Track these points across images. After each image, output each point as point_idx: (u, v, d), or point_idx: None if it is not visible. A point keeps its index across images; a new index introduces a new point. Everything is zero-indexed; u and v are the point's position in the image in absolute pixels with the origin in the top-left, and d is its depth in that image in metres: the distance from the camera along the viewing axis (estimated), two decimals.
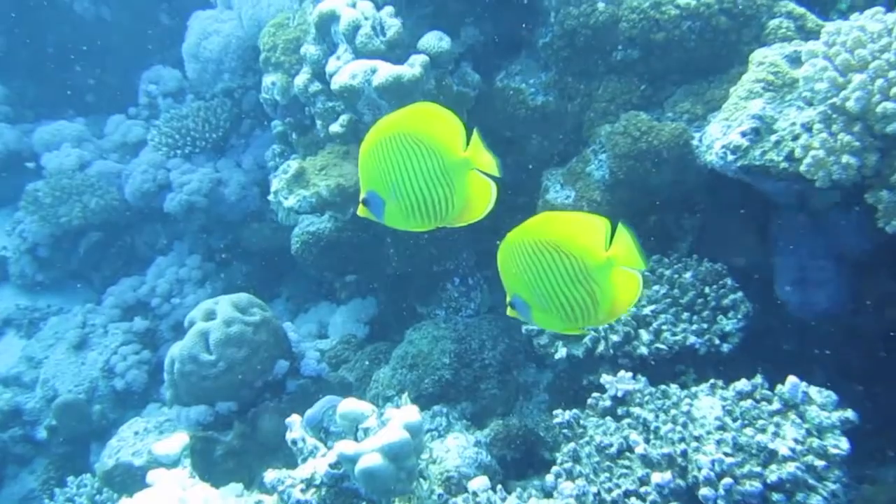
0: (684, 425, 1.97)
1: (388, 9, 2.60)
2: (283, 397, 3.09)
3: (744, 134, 2.14)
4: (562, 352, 2.44)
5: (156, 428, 3.46)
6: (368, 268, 3.42)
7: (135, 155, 5.35)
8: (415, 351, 2.96)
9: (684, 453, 1.88)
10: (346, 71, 2.47)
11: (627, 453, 2.00)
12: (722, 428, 1.92)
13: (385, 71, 2.46)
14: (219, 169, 4.82)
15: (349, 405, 1.96)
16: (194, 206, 4.68)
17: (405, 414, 1.83)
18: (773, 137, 2.10)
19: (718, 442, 1.87)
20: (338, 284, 4.39)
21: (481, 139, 1.56)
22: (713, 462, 1.82)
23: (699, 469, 1.83)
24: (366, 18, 2.55)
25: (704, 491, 1.80)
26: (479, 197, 1.57)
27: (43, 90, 6.73)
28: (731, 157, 2.17)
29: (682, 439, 1.93)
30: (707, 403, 2.04)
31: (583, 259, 1.51)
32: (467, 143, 1.55)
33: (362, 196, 1.58)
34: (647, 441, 1.98)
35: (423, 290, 3.32)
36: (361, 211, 1.60)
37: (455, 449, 2.34)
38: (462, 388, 2.94)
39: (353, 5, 2.60)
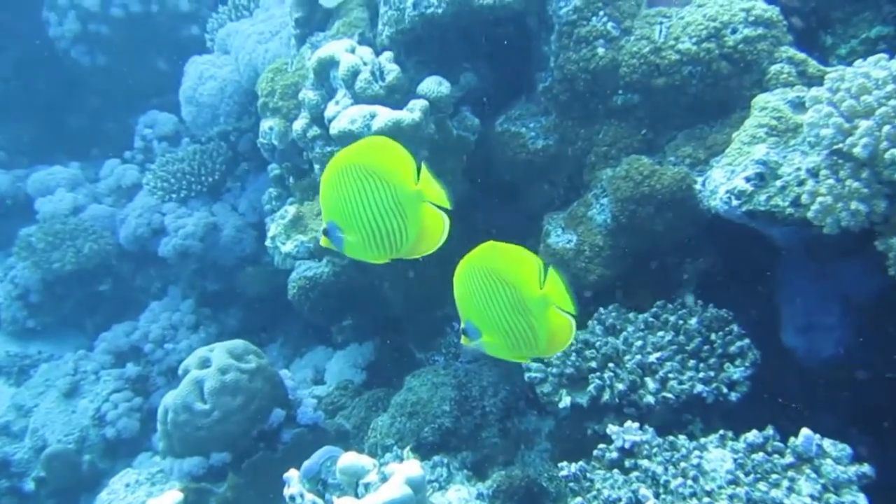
0: (695, 479, 1.92)
1: (388, 54, 2.60)
2: (278, 447, 3.02)
3: (748, 179, 2.12)
4: (566, 400, 2.38)
5: (147, 480, 3.36)
6: (366, 312, 3.38)
7: (130, 199, 5.34)
8: (414, 398, 2.90)
9: None
10: (345, 116, 2.45)
11: None
12: (734, 482, 1.87)
13: (384, 116, 2.44)
14: (214, 213, 4.79)
15: (349, 459, 1.90)
16: (189, 251, 4.63)
17: (407, 468, 1.77)
18: (778, 183, 2.08)
19: (731, 497, 1.81)
20: (334, 328, 4.34)
21: (430, 172, 1.60)
22: None
23: None
24: (365, 64, 2.54)
25: None
26: (432, 228, 1.61)
27: (38, 135, 6.74)
28: (735, 203, 2.14)
29: (694, 494, 1.87)
30: (717, 456, 1.99)
31: (521, 290, 1.60)
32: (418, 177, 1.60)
33: (323, 226, 1.63)
34: (656, 496, 1.92)
35: (422, 335, 3.26)
36: (324, 241, 1.64)
37: (457, 502, 2.28)
38: (463, 437, 2.88)
39: (353, 51, 2.59)
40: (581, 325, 2.58)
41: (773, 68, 2.29)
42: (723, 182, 2.20)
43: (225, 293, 5.00)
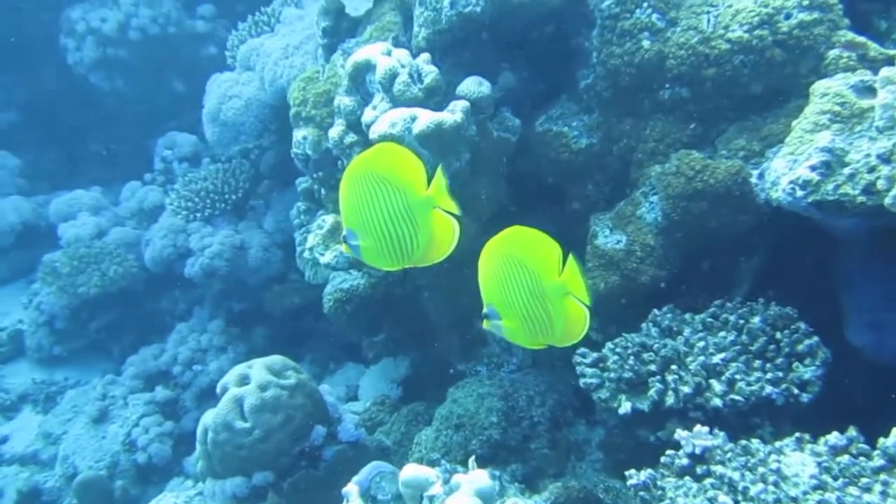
0: (776, 484, 1.81)
1: (425, 56, 2.53)
2: (320, 465, 2.93)
3: (813, 168, 2.02)
4: (626, 406, 2.28)
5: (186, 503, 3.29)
6: (403, 324, 3.29)
7: (152, 221, 5.28)
8: (460, 410, 2.80)
9: None
10: (384, 119, 2.37)
11: None
12: (820, 487, 1.76)
13: (426, 118, 2.36)
14: (240, 231, 4.73)
15: (411, 471, 1.81)
16: (216, 271, 4.57)
17: (475, 478, 1.68)
18: (846, 170, 1.98)
19: (820, 503, 1.70)
20: (365, 344, 4.26)
21: (444, 177, 1.63)
22: None
23: None
24: (402, 66, 2.47)
25: None
26: (442, 235, 1.65)
27: (58, 161, 6.73)
28: (800, 193, 2.04)
29: (778, 500, 1.76)
30: (797, 460, 1.88)
31: (539, 277, 1.63)
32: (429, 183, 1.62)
33: (343, 233, 1.66)
34: (736, 503, 1.82)
35: (463, 345, 3.17)
36: (345, 248, 1.67)
37: None
38: (511, 449, 2.78)
39: (389, 53, 2.52)
40: (635, 328, 2.49)
41: (832, 53, 2.20)
42: (785, 172, 2.10)
43: (251, 312, 4.94)
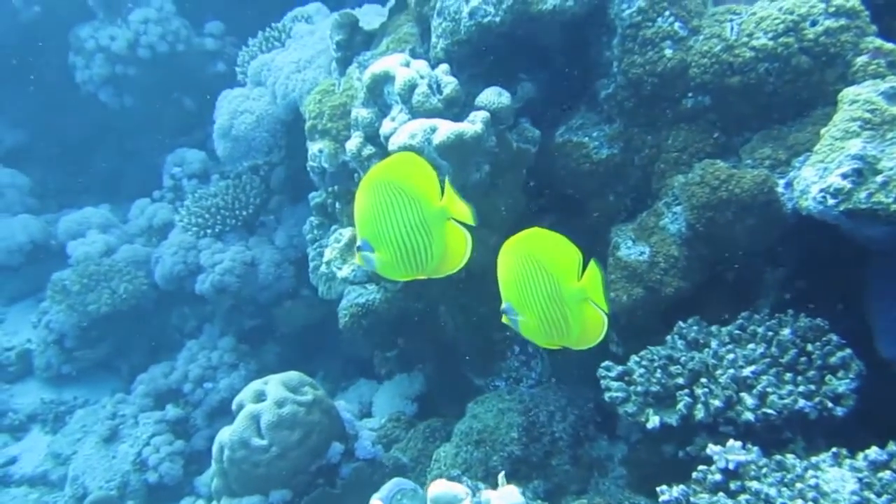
0: (815, 501, 1.76)
1: (444, 66, 2.50)
2: (337, 482, 2.88)
3: (845, 176, 1.98)
4: (654, 420, 2.23)
5: None
6: (419, 339, 3.25)
7: (162, 238, 5.26)
8: (480, 426, 2.75)
9: None
10: (404, 131, 2.34)
11: None
12: (863, 503, 1.70)
13: (446, 129, 2.33)
14: (250, 247, 4.70)
15: (441, 487, 1.76)
16: (227, 287, 4.53)
17: (506, 495, 1.63)
18: (879, 178, 1.94)
19: None
20: (377, 361, 4.22)
21: (454, 189, 1.63)
22: None
23: None
24: (421, 77, 2.44)
25: None
26: (456, 246, 1.65)
27: (66, 179, 6.72)
28: (831, 202, 2.00)
29: None
30: (836, 475, 1.83)
31: (559, 281, 1.64)
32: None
33: (357, 244, 1.65)
34: None
35: (481, 359, 3.12)
36: (359, 259, 1.67)
37: None
38: (533, 465, 2.73)
39: (408, 65, 2.49)
40: (660, 340, 2.45)
41: (860, 60, 2.17)
42: (815, 181, 2.06)
43: (262, 329, 4.90)
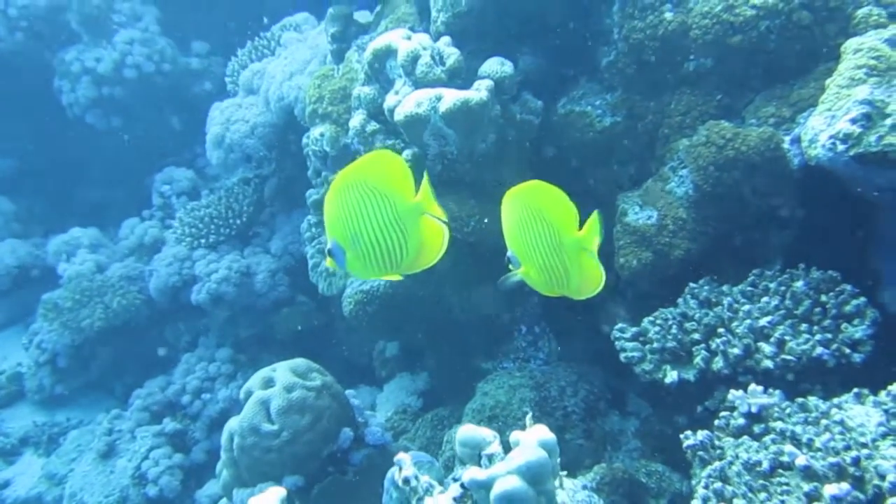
0: (842, 435, 1.75)
1: (445, 38, 2.52)
2: (348, 469, 2.83)
3: (854, 121, 2.00)
4: (672, 375, 2.21)
5: None
6: (425, 325, 3.22)
7: (152, 256, 5.20)
8: (492, 402, 2.73)
9: (856, 461, 1.65)
10: (410, 100, 2.35)
11: (781, 470, 1.76)
12: (891, 433, 1.69)
13: (451, 96, 2.34)
14: (245, 256, 4.66)
15: (469, 431, 1.74)
16: (223, 296, 4.49)
17: (537, 432, 1.61)
18: (889, 121, 1.96)
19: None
20: (377, 362, 4.18)
21: (430, 184, 1.62)
22: None
23: (882, 477, 1.59)
24: (424, 49, 2.45)
25: (894, 501, 1.56)
26: (432, 241, 1.65)
27: (52, 204, 6.66)
28: (841, 147, 2.02)
29: (848, 447, 1.70)
30: (860, 411, 1.82)
31: (559, 231, 1.68)
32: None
33: (327, 247, 1.64)
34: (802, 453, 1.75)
35: (488, 342, 3.10)
36: (329, 262, 1.65)
37: (564, 492, 2.08)
38: None
39: (409, 38, 2.50)
40: (671, 301, 2.44)
41: (861, 12, 2.20)
42: (823, 129, 2.08)
43: (259, 338, 4.85)
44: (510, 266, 1.75)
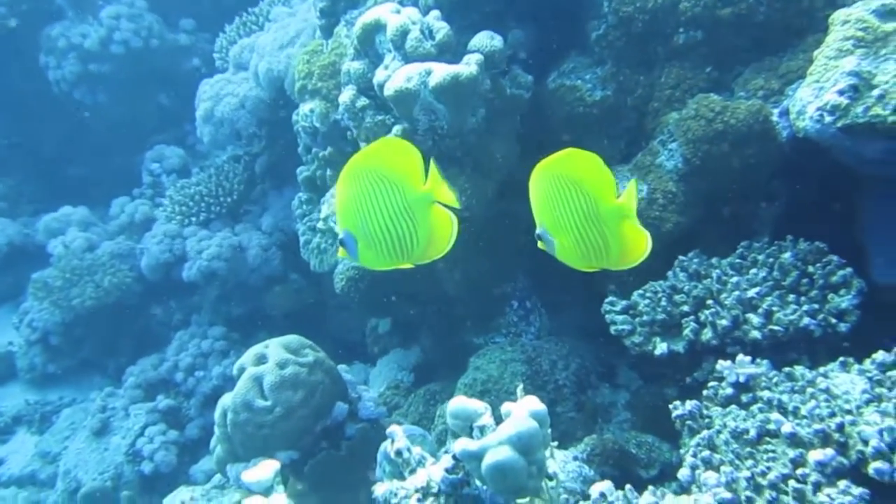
0: (827, 402, 1.77)
1: (435, 12, 2.51)
2: (342, 444, 2.85)
3: (841, 92, 2.01)
4: (661, 347, 2.24)
5: (203, 496, 3.18)
6: (418, 301, 3.23)
7: (143, 234, 5.19)
8: (484, 377, 2.75)
9: (840, 427, 1.68)
10: (400, 74, 2.34)
11: (768, 438, 1.79)
12: (875, 400, 1.72)
13: (441, 71, 2.34)
14: (237, 233, 4.66)
15: (459, 402, 1.75)
16: (215, 272, 4.49)
17: (528, 403, 1.63)
18: (875, 92, 1.98)
19: (880, 413, 1.67)
20: (369, 339, 4.19)
21: (439, 172, 1.59)
22: (881, 432, 1.61)
23: (865, 442, 1.62)
24: (413, 23, 2.45)
25: (877, 465, 1.58)
26: (441, 230, 1.62)
27: (41, 183, 6.62)
28: (829, 119, 2.03)
29: (833, 414, 1.72)
30: (845, 380, 1.84)
31: (596, 201, 1.60)
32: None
33: (339, 236, 1.62)
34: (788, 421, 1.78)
35: (480, 317, 3.11)
36: (341, 252, 1.63)
37: (555, 463, 2.11)
38: None
39: (398, 12, 2.49)
40: (660, 275, 2.46)
41: None
42: (811, 100, 2.09)
43: (250, 315, 4.85)
44: (540, 242, 1.67)
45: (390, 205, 1.57)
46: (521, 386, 1.75)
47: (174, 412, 4.57)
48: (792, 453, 1.69)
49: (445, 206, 1.63)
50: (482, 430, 1.69)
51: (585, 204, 1.60)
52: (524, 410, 1.60)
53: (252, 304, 4.79)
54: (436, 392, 3.27)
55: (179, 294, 5.04)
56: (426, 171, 1.61)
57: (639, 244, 1.66)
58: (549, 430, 1.68)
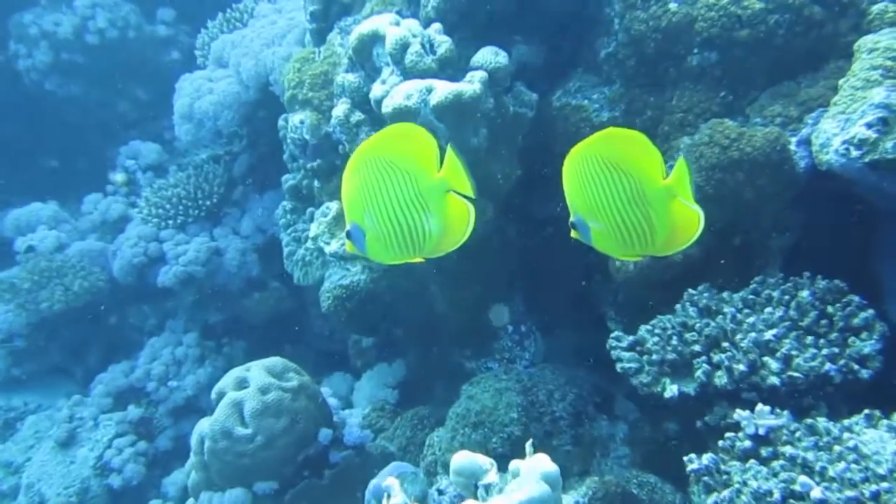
0: (857, 462, 1.66)
1: (436, 25, 2.36)
2: (324, 473, 2.71)
3: (869, 125, 1.90)
4: (671, 389, 2.12)
5: None
6: (407, 322, 3.09)
7: (116, 233, 4.99)
8: (478, 407, 2.61)
9: (876, 496, 1.56)
10: (399, 91, 2.20)
11: (792, 501, 1.68)
12: None
13: (443, 89, 2.19)
14: (215, 237, 4.48)
15: (463, 458, 1.62)
16: (192, 278, 4.31)
17: (538, 463, 1.50)
18: None
19: None
20: (352, 351, 4.05)
21: (458, 157, 1.49)
22: None
23: None
24: (414, 36, 2.30)
25: None
26: (457, 220, 1.52)
27: (11, 176, 6.37)
28: (855, 153, 1.92)
29: (866, 479, 1.61)
30: (874, 436, 1.73)
31: (641, 181, 1.49)
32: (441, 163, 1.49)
33: (346, 229, 1.52)
34: (816, 484, 1.66)
35: (472, 341, 2.98)
36: (348, 246, 1.54)
37: None
38: (533, 446, 2.59)
39: (398, 24, 2.34)
40: (668, 310, 2.34)
41: (875, 8, 2.09)
42: (836, 133, 1.97)
43: (228, 323, 4.68)
44: (573, 228, 1.55)
45: (400, 194, 1.48)
46: (529, 441, 1.61)
47: (145, 423, 4.39)
48: None
49: (461, 195, 1.51)
50: (487, 488, 1.56)
51: (629, 186, 1.50)
52: (535, 472, 1.47)
53: (230, 311, 4.62)
54: (424, 416, 3.14)
55: (154, 298, 4.84)
56: (442, 157, 1.50)
57: (690, 225, 1.55)
58: (561, 494, 1.55)
